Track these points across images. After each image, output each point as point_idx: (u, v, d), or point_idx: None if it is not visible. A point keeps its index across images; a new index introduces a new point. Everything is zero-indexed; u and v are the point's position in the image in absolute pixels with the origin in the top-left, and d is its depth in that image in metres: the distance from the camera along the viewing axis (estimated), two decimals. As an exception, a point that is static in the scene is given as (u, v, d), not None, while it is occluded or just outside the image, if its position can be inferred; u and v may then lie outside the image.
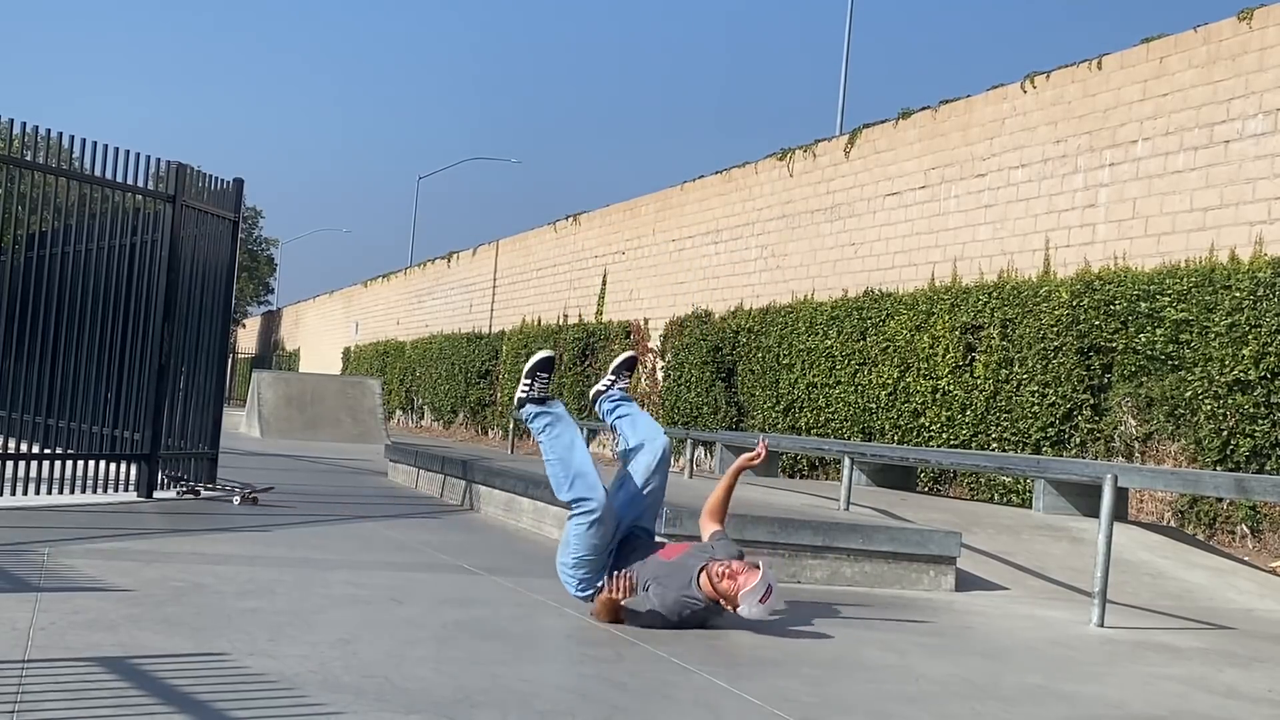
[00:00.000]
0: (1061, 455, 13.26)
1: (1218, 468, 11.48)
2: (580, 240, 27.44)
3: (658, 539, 5.50)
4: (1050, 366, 13.55)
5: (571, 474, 5.19)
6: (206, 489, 9.19)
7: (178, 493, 8.90)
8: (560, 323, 27.43)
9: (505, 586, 5.94)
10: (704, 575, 5.04)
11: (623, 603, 4.97)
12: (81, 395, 8.69)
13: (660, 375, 22.47)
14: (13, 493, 8.02)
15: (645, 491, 5.42)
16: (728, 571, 4.97)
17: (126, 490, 8.68)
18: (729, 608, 5.01)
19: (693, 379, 20.92)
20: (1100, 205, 13.66)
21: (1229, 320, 11.52)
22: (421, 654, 4.19)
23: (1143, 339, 12.47)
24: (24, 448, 8.42)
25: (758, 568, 4.99)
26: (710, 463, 15.84)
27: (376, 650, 4.19)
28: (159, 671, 3.61)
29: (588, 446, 5.40)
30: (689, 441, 11.97)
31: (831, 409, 17.21)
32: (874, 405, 16.35)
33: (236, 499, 8.79)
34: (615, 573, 5.06)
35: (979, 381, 14.55)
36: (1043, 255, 14.29)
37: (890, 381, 16.02)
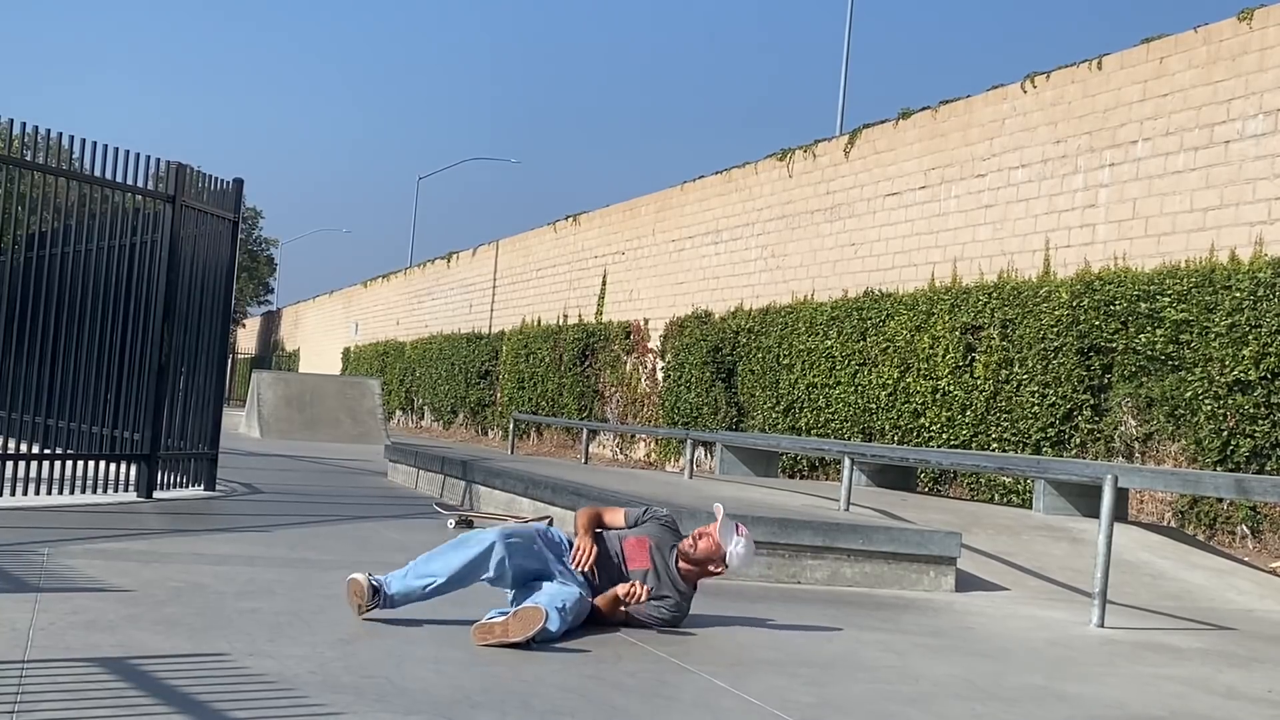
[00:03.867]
0: (1061, 455, 13.26)
1: (1218, 468, 11.48)
2: (580, 240, 27.44)
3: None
4: (1050, 367, 13.55)
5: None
6: (477, 516, 8.79)
7: (452, 525, 8.41)
8: (560, 323, 27.42)
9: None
10: (680, 561, 5.05)
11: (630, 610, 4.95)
12: (81, 395, 8.69)
13: (660, 375, 22.47)
14: (13, 493, 8.02)
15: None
16: (699, 538, 5.04)
17: (126, 490, 8.68)
18: (719, 569, 5.04)
19: (693, 379, 20.92)
20: (1100, 205, 13.66)
21: (1229, 320, 11.52)
22: (421, 654, 4.19)
23: (1143, 339, 12.47)
24: (24, 448, 8.42)
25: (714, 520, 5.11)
26: (710, 463, 15.82)
27: (376, 650, 4.19)
28: (159, 672, 3.61)
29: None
30: (689, 442, 11.96)
31: (831, 409, 17.21)
32: (874, 406, 16.35)
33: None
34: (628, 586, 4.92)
35: (979, 382, 14.55)
36: (1043, 255, 14.29)
37: (890, 382, 16.02)
